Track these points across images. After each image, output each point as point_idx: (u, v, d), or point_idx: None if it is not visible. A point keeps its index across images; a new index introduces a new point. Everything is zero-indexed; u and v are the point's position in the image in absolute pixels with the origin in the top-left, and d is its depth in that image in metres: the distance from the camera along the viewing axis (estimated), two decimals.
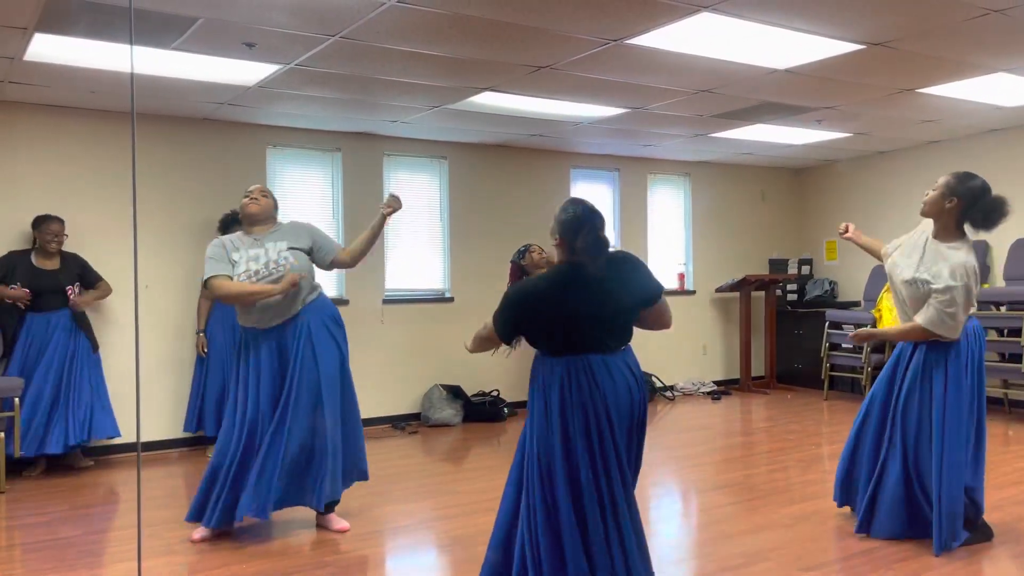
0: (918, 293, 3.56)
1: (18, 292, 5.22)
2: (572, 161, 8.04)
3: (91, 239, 5.82)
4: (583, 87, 5.46)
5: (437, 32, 4.28)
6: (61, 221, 5.45)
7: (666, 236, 8.76)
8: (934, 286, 3.48)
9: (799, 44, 4.60)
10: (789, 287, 9.13)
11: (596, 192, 8.30)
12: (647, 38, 4.43)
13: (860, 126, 7.01)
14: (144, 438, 5.90)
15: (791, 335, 8.77)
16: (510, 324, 2.82)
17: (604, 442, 2.67)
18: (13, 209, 5.61)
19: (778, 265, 9.16)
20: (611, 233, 8.36)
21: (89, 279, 5.56)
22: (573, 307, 2.69)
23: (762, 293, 8.88)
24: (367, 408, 5.10)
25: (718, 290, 8.78)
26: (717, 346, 9.01)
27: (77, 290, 5.43)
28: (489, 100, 5.77)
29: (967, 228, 3.59)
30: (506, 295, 2.86)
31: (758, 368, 8.96)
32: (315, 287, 4.04)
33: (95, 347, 5.49)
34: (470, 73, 5.08)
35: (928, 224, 3.69)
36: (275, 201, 4.13)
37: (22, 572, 3.62)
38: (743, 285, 8.53)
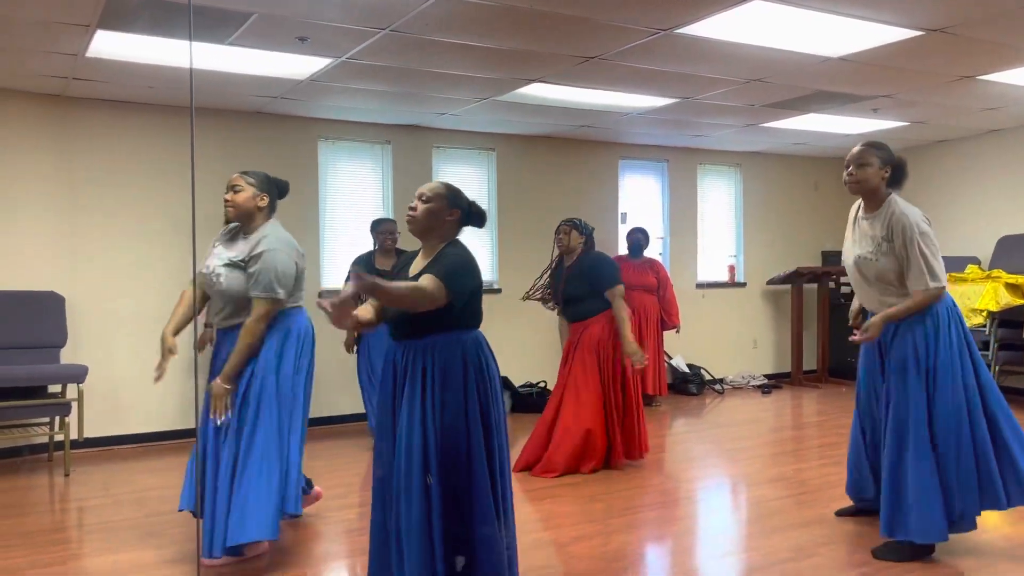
0: (881, 265, 3.47)
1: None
2: (620, 152, 8.00)
3: (149, 231, 5.98)
4: (632, 77, 5.43)
5: (486, 24, 4.30)
6: (394, 221, 5.81)
7: (716, 228, 8.66)
8: (903, 241, 3.41)
9: (854, 31, 4.51)
10: (843, 279, 8.95)
11: (644, 184, 8.25)
12: (698, 27, 4.39)
13: (918, 115, 6.84)
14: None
15: (844, 328, 8.58)
16: None
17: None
18: (76, 202, 5.79)
19: (831, 257, 8.99)
20: (660, 225, 8.31)
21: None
22: None
23: (814, 286, 8.73)
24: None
25: (769, 282, 8.66)
26: (768, 339, 8.89)
27: None
28: (537, 91, 5.77)
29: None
30: None
31: (810, 362, 8.82)
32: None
33: None
34: (519, 65, 5.09)
35: (856, 205, 3.68)
36: (255, 188, 3.54)
37: (88, 552, 3.76)
38: (795, 277, 8.40)
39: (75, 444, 5.30)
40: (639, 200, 8.16)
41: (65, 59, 4.83)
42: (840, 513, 4.04)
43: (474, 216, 2.96)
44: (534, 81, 5.50)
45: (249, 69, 5.11)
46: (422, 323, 2.75)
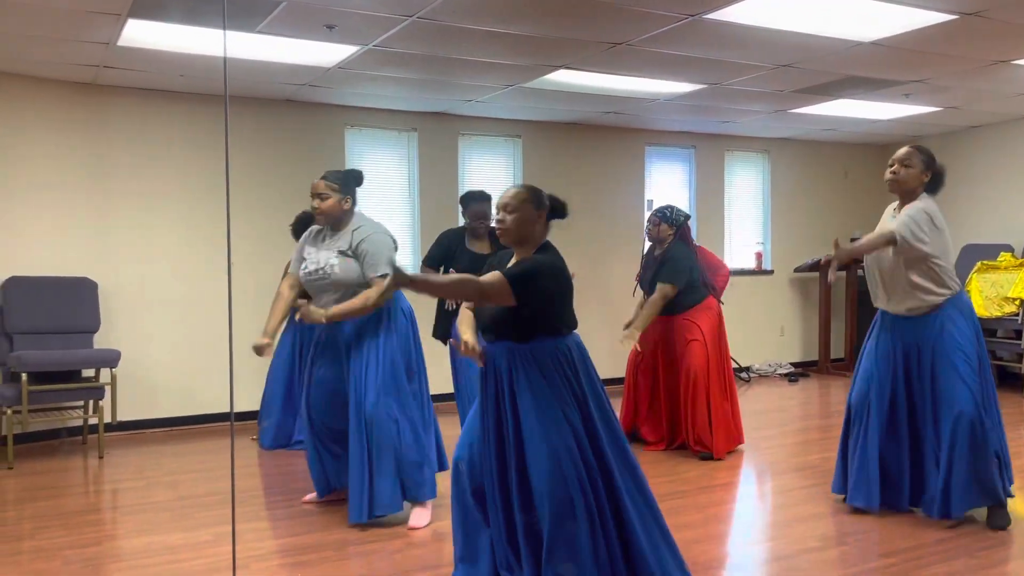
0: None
1: None
2: (647, 139, 7.95)
3: (180, 218, 6.06)
4: (660, 63, 5.39)
5: (513, 10, 4.29)
6: (488, 201, 4.93)
7: (744, 215, 8.59)
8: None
9: (886, 14, 4.44)
10: None
11: (671, 170, 8.20)
12: (727, 12, 4.34)
13: (950, 100, 6.73)
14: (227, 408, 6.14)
15: (872, 317, 8.51)
16: None
17: None
18: (109, 189, 5.87)
19: None
20: (688, 211, 8.25)
21: None
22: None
23: (843, 273, 8.65)
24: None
25: (797, 270, 8.59)
26: (795, 327, 8.83)
27: None
28: (564, 78, 5.75)
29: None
30: None
31: (837, 350, 8.75)
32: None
33: None
34: (545, 51, 5.08)
35: (891, 207, 3.81)
36: (339, 192, 3.77)
37: (122, 533, 3.84)
38: (823, 265, 8.32)
39: (108, 427, 5.40)
40: (666, 187, 8.11)
41: (97, 48, 4.89)
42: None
43: (557, 210, 2.91)
44: (561, 67, 5.48)
45: (277, 57, 5.14)
46: (500, 328, 2.78)
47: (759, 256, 8.59)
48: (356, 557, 3.41)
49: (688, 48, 5.03)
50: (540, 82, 5.87)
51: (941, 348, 3.60)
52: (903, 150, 3.69)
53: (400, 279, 2.49)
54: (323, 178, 3.79)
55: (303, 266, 3.83)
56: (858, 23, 4.60)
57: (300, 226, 5.09)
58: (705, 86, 6.08)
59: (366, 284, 3.68)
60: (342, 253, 3.71)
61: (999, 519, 3.62)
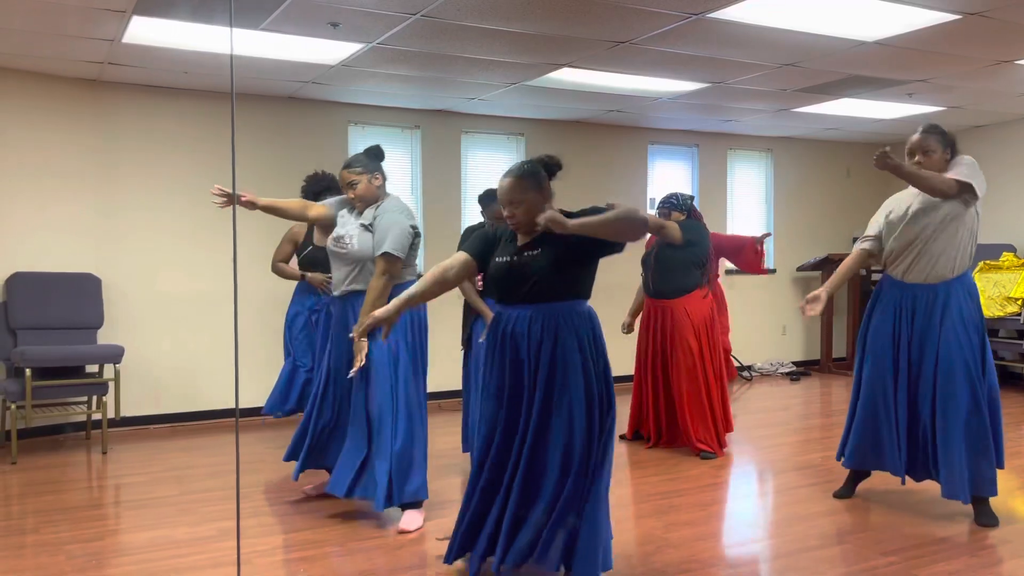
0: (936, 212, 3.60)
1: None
2: (650, 137, 7.96)
3: (183, 214, 6.07)
4: (663, 62, 5.40)
5: (516, 9, 4.30)
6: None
7: (746, 213, 8.60)
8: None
9: (890, 14, 4.44)
10: (874, 267, 8.86)
11: (674, 169, 8.21)
12: (730, 11, 4.35)
13: (954, 100, 6.73)
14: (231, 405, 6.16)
15: None
16: None
17: None
18: (113, 185, 5.89)
19: None
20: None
21: None
22: None
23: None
24: (448, 384, 5.24)
25: (799, 269, 8.59)
26: (797, 326, 8.83)
27: None
28: (567, 76, 5.76)
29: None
30: None
31: (839, 349, 8.75)
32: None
33: None
34: (548, 49, 5.08)
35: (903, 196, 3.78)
36: (369, 173, 3.80)
37: (126, 528, 3.86)
38: (826, 264, 8.32)
39: (112, 423, 5.42)
40: (668, 185, 8.09)
41: (101, 44, 4.90)
42: (839, 495, 4.08)
43: (552, 170, 3.02)
44: (564, 66, 5.48)
45: (281, 55, 5.15)
46: (539, 288, 2.81)
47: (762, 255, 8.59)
48: (359, 552, 3.42)
49: (691, 47, 5.04)
50: (543, 80, 5.88)
51: (949, 318, 3.63)
52: (917, 136, 3.64)
53: (556, 223, 2.61)
54: (345, 168, 3.82)
55: (335, 231, 3.85)
56: (861, 22, 4.61)
57: (313, 185, 5.12)
58: (708, 85, 6.08)
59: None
60: (364, 227, 3.74)
61: (986, 518, 3.66)
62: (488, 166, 7.21)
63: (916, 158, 3.63)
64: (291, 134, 6.46)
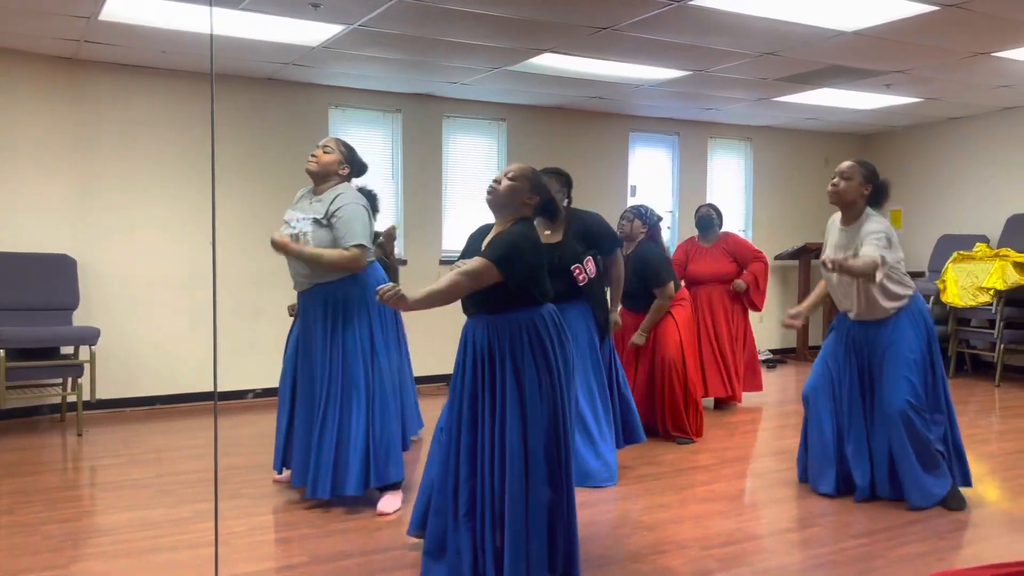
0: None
1: None
2: (631, 124, 7.98)
3: (161, 195, 6.02)
4: (644, 49, 5.41)
5: None
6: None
7: (726, 202, 8.59)
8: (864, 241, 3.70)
9: (869, 5, 4.48)
10: None
11: (655, 156, 8.23)
12: None
13: (931, 91, 6.80)
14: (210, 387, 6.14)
15: None
16: None
17: None
18: (89, 165, 5.82)
19: None
20: (670, 198, 8.31)
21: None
22: None
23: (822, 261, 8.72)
24: (420, 369, 5.24)
25: (777, 257, 8.66)
26: (774, 314, 8.90)
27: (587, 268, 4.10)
28: (549, 62, 5.75)
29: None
30: None
31: (815, 337, 8.84)
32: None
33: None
34: (531, 34, 5.08)
35: (835, 217, 3.96)
36: (342, 156, 3.79)
37: (102, 509, 3.85)
38: (803, 253, 8.41)
39: (88, 405, 5.39)
40: (649, 173, 8.15)
41: (78, 22, 4.84)
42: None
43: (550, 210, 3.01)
44: (546, 51, 5.48)
45: (261, 35, 5.11)
46: (479, 302, 2.82)
47: None
48: (337, 534, 3.43)
49: (673, 34, 5.05)
50: (525, 65, 5.87)
51: (892, 353, 3.76)
52: (846, 164, 3.82)
53: (400, 303, 2.60)
54: (337, 139, 3.81)
55: (283, 228, 3.75)
56: (841, 13, 4.64)
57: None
58: (689, 73, 6.11)
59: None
60: (317, 222, 3.66)
61: (955, 502, 3.74)
62: (469, 151, 7.20)
63: (835, 180, 3.81)
64: (271, 116, 6.41)
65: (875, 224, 3.73)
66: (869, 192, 3.78)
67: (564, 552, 2.84)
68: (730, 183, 8.66)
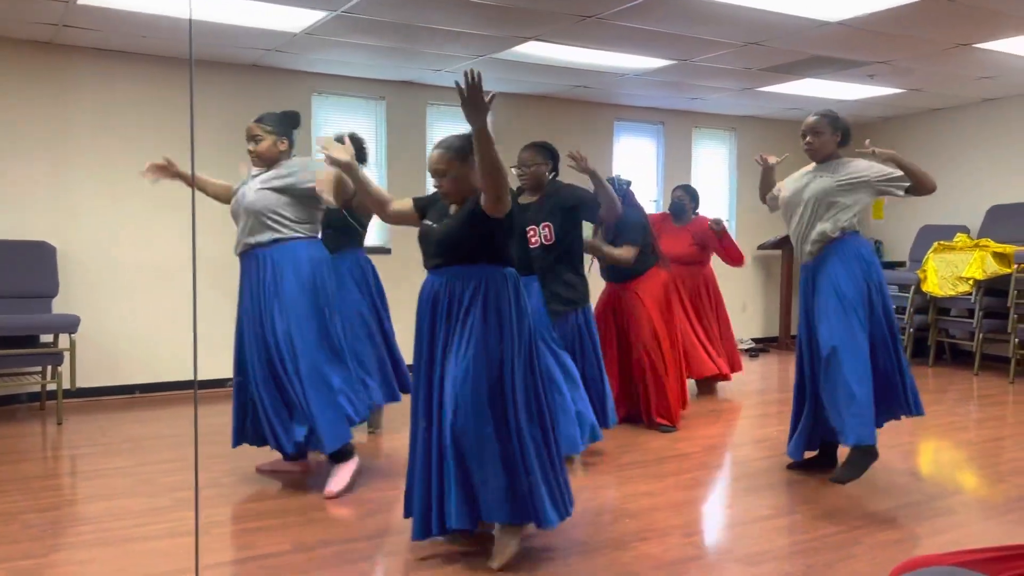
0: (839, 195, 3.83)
1: None
2: (616, 113, 7.98)
3: (141, 182, 5.94)
4: (629, 38, 5.40)
5: None
6: (530, 152, 4.54)
7: (710, 191, 8.64)
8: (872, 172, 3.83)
9: None
10: None
11: (639, 145, 8.24)
12: None
13: (914, 82, 6.84)
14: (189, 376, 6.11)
15: None
16: None
17: None
18: (68, 151, 5.75)
19: None
20: (654, 187, 8.32)
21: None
22: None
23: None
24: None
25: (760, 247, 8.71)
26: (757, 303, 8.97)
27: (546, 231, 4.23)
28: (534, 50, 5.74)
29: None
30: None
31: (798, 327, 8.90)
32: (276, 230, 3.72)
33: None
34: (516, 22, 5.06)
35: (797, 175, 4.08)
36: (275, 133, 3.75)
37: (82, 497, 3.82)
38: (786, 243, 8.44)
39: (68, 394, 5.35)
40: (633, 162, 8.15)
41: (56, 6, 4.77)
42: (793, 467, 4.20)
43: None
44: (531, 39, 5.46)
45: (243, 20, 5.06)
46: (450, 249, 2.92)
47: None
48: (319, 523, 3.43)
49: (658, 23, 5.05)
50: (509, 53, 5.85)
51: (819, 289, 3.83)
52: (811, 119, 3.96)
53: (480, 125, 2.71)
54: (257, 121, 3.77)
55: (236, 203, 3.82)
56: (825, 3, 4.65)
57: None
58: (674, 62, 6.11)
59: (279, 212, 3.70)
60: (263, 186, 3.70)
61: (840, 472, 3.76)
62: None
63: (808, 139, 3.93)
64: (253, 103, 6.32)
65: (863, 162, 3.88)
66: (839, 138, 3.95)
67: (525, 501, 2.88)
68: (714, 172, 8.68)
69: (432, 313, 2.96)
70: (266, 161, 3.76)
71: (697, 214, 6.27)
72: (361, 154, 4.02)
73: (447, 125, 7.19)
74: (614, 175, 5.29)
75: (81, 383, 5.48)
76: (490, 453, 2.82)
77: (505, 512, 2.86)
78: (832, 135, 3.92)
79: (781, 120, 8.84)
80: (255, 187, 3.74)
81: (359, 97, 6.83)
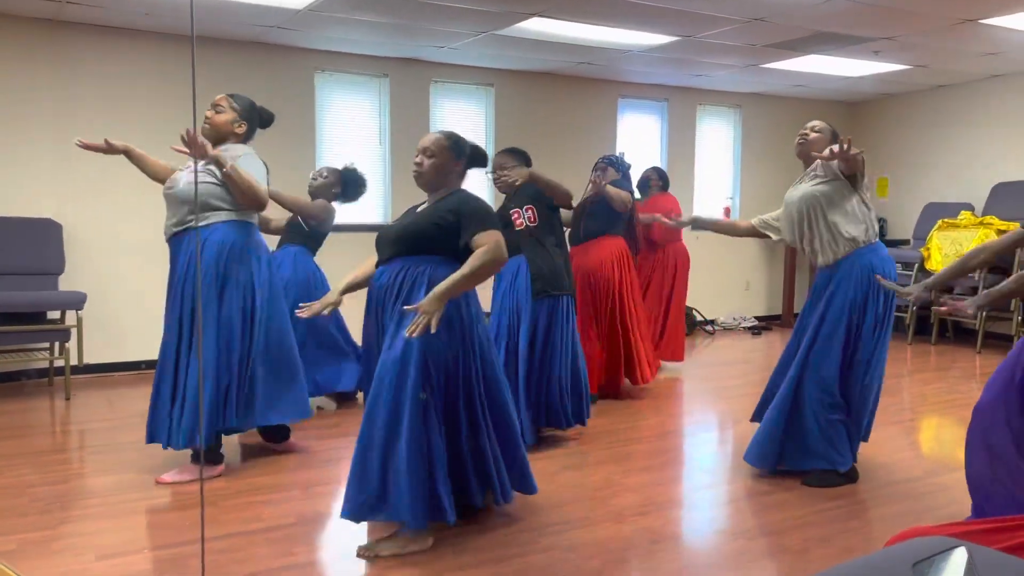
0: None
1: None
2: (620, 90, 7.95)
3: None
4: (633, 13, 5.38)
5: None
6: (501, 157, 4.44)
7: (714, 169, 8.66)
8: None
9: None
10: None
11: (643, 123, 8.21)
12: None
13: (919, 58, 6.79)
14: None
15: None
16: None
17: None
18: (72, 128, 5.77)
19: None
20: (658, 165, 8.30)
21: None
22: None
23: None
24: None
25: None
26: (760, 282, 8.98)
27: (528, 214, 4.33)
28: (537, 26, 5.71)
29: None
30: None
31: (800, 305, 8.89)
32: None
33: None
34: None
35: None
36: (237, 113, 3.69)
37: (90, 471, 3.88)
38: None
39: (75, 370, 5.40)
40: (637, 139, 8.14)
41: None
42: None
43: (477, 159, 3.05)
44: (534, 15, 5.44)
45: None
46: (404, 240, 2.89)
47: (727, 211, 8.69)
48: (321, 497, 3.48)
49: None
50: (513, 30, 5.83)
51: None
52: (816, 122, 4.00)
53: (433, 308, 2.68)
54: (228, 95, 3.71)
55: (168, 187, 3.71)
56: None
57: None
58: (678, 38, 6.08)
59: (211, 203, 3.61)
60: (200, 172, 3.58)
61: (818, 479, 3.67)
62: (457, 116, 7.16)
63: (806, 133, 3.99)
64: (255, 80, 6.35)
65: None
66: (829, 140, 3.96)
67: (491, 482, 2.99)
68: (718, 150, 8.66)
69: (383, 302, 2.91)
70: (215, 133, 3.65)
71: (667, 192, 6.40)
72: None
73: (451, 103, 7.18)
74: (618, 152, 5.30)
75: (88, 359, 5.53)
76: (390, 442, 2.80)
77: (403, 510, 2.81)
78: (828, 142, 3.91)
79: (786, 97, 8.79)
80: (186, 177, 3.64)
81: (362, 74, 6.81)
